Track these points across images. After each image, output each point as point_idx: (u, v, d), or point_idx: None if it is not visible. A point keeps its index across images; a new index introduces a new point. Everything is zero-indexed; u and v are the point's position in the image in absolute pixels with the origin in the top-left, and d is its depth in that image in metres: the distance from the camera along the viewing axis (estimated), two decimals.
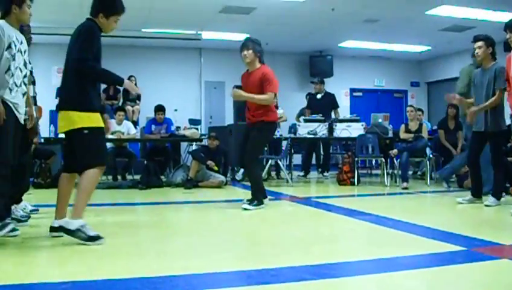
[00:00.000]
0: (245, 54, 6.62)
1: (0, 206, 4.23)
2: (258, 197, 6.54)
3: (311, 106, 11.68)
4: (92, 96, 4.31)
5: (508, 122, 6.90)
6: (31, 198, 6.50)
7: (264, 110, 6.57)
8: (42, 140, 9.92)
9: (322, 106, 11.34)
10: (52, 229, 4.37)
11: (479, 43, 6.68)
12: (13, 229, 4.39)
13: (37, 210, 5.84)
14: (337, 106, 11.78)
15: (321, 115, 10.78)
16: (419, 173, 11.65)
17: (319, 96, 11.70)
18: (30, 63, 5.28)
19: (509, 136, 7.97)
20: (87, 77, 4.26)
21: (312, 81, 11.98)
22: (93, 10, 4.51)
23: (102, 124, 4.36)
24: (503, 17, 11.05)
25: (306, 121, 10.84)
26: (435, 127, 11.42)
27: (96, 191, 8.57)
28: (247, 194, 6.75)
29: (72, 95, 4.28)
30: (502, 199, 6.77)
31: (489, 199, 6.61)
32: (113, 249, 4.11)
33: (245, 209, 6.34)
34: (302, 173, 11.66)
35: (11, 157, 4.31)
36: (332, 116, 11.45)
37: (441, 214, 6.41)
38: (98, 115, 4.31)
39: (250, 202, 6.48)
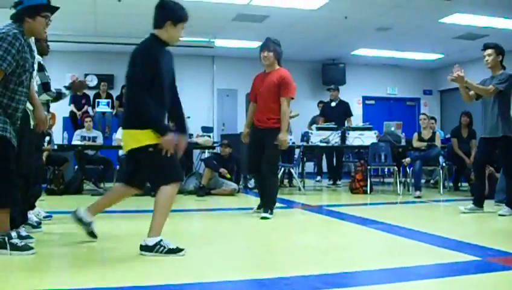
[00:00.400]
0: (265, 56, 6.58)
1: (14, 213, 4.24)
2: (272, 207, 6.46)
3: (325, 113, 11.67)
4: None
5: None
6: (44, 204, 6.55)
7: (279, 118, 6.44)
8: (56, 147, 10.00)
9: (336, 114, 11.32)
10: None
11: (489, 51, 6.67)
12: (27, 237, 4.41)
13: (51, 217, 5.88)
14: (351, 114, 11.76)
15: (334, 123, 10.78)
16: (432, 181, 11.61)
17: (333, 104, 11.69)
18: (47, 71, 5.37)
19: None
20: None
21: (328, 88, 11.96)
22: (158, 20, 4.37)
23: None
24: None
25: (318, 129, 10.84)
26: (448, 136, 11.39)
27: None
28: (259, 202, 6.74)
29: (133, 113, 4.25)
30: None
31: (503, 209, 6.58)
32: (128, 256, 4.12)
33: (264, 218, 6.26)
34: (331, 181, 11.68)
35: (25, 165, 4.33)
36: (346, 124, 11.42)
37: (454, 223, 6.38)
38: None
39: (265, 210, 6.39)
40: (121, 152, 10.50)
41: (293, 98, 6.55)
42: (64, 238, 4.90)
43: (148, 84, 4.17)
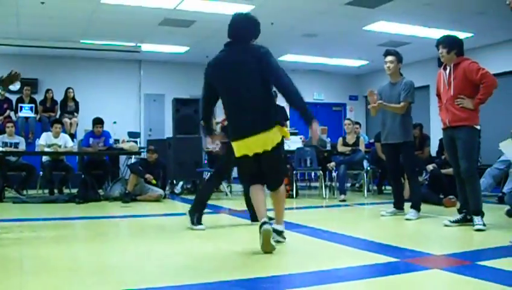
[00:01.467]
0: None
1: None
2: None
3: None
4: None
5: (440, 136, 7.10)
6: None
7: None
8: None
9: None
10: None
11: (390, 58, 6.86)
12: None
13: None
14: (288, 118, 11.83)
15: None
16: (357, 185, 11.85)
17: None
18: None
19: (441, 149, 8.21)
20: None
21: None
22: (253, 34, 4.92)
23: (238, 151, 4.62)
24: (438, 33, 11.40)
25: None
26: (372, 140, 11.64)
27: (31, 205, 8.47)
28: (186, 208, 6.67)
29: None
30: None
31: (410, 212, 6.73)
32: (47, 265, 4.04)
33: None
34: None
35: None
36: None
37: (376, 226, 6.52)
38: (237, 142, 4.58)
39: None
40: (44, 158, 10.29)
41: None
42: None
43: None
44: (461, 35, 8.13)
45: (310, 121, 4.54)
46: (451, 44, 5.91)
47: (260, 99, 4.53)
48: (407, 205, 6.97)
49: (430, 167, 8.97)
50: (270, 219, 4.72)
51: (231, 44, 4.75)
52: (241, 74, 4.54)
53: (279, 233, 4.86)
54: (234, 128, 4.63)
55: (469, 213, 5.90)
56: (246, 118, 4.51)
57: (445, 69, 6.01)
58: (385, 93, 6.92)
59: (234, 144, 4.62)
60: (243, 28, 4.74)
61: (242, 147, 4.56)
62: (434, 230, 6.07)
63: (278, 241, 4.73)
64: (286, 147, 10.27)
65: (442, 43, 5.95)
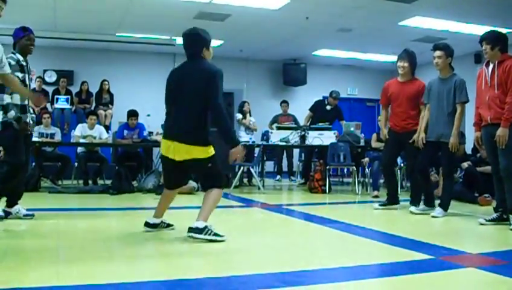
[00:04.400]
0: (401, 65, 7.30)
1: None
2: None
3: (318, 112, 11.63)
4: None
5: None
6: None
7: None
8: None
9: (330, 117, 11.44)
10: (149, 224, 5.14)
11: (439, 53, 6.67)
12: None
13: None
14: (343, 118, 11.78)
15: (328, 123, 10.97)
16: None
17: (328, 107, 11.62)
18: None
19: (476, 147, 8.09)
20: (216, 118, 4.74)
21: (333, 95, 11.81)
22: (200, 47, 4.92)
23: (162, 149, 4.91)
24: (474, 29, 11.27)
25: (279, 128, 10.89)
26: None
27: (66, 195, 8.59)
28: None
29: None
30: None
31: (436, 210, 6.67)
32: (83, 253, 4.09)
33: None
34: (303, 181, 11.77)
35: None
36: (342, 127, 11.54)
37: (410, 223, 6.45)
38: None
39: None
40: (79, 149, 10.41)
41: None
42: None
43: None
44: (500, 31, 7.98)
45: (233, 144, 4.85)
46: (495, 40, 5.80)
47: (196, 116, 4.73)
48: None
49: (465, 164, 8.87)
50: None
51: (188, 59, 4.98)
52: (186, 89, 4.77)
53: (198, 231, 4.60)
54: (168, 127, 4.94)
55: (505, 212, 5.82)
56: (179, 125, 4.76)
57: (487, 65, 5.91)
58: (434, 89, 6.77)
59: (162, 141, 4.93)
60: (190, 46, 4.95)
61: (164, 148, 4.85)
62: (469, 228, 6.01)
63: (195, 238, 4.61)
64: (319, 142, 10.30)
65: (485, 39, 5.85)
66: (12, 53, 5.61)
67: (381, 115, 7.70)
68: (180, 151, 4.71)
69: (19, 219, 5.67)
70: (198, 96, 4.69)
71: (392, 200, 7.44)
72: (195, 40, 4.91)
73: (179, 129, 4.72)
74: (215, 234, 4.62)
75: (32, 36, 5.74)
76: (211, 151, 4.78)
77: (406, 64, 7.23)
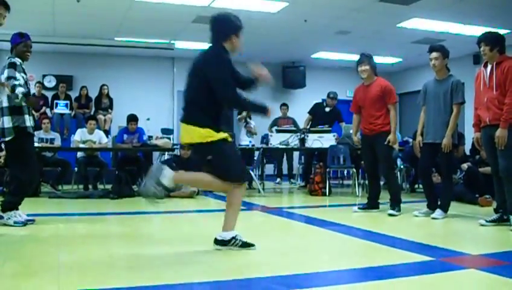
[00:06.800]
0: (362, 70, 7.22)
1: None
2: (399, 203, 7.09)
3: (317, 115, 11.60)
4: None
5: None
6: None
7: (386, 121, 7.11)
8: None
9: (329, 119, 11.40)
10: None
11: (435, 54, 6.64)
12: None
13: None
14: (343, 120, 11.77)
15: (328, 126, 10.95)
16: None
17: (327, 109, 11.62)
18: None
19: (475, 147, 8.10)
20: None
21: (330, 95, 11.79)
22: (221, 35, 4.63)
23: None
24: (473, 30, 11.27)
25: (278, 131, 10.90)
26: (405, 138, 11.53)
27: (67, 200, 8.58)
28: (219, 204, 6.74)
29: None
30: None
31: (436, 212, 6.64)
32: (84, 259, 4.09)
33: (391, 215, 6.87)
34: (303, 183, 11.76)
35: None
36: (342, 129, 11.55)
37: (410, 225, 6.45)
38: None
39: (393, 207, 6.99)
40: (79, 154, 10.42)
41: (396, 102, 7.28)
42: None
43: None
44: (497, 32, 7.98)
45: (257, 108, 4.81)
46: (494, 41, 5.81)
47: (197, 98, 4.49)
48: None
49: (464, 165, 8.87)
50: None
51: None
52: (192, 73, 4.57)
53: (223, 243, 4.43)
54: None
55: (506, 213, 5.82)
56: (185, 107, 4.56)
57: (485, 66, 5.92)
58: (430, 90, 6.76)
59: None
60: (211, 30, 4.68)
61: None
62: (470, 229, 6.01)
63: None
64: (319, 145, 10.30)
65: (484, 41, 5.86)
66: (10, 58, 5.63)
67: (353, 121, 7.63)
68: (183, 132, 4.55)
69: (10, 226, 5.55)
70: (196, 74, 4.51)
71: (373, 204, 7.41)
72: (211, 27, 4.71)
73: (183, 109, 4.58)
74: (244, 244, 4.44)
75: (29, 43, 5.75)
76: (210, 136, 4.34)
77: (367, 68, 7.20)
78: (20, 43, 5.68)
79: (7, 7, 5.17)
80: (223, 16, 4.72)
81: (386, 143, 6.98)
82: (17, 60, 5.58)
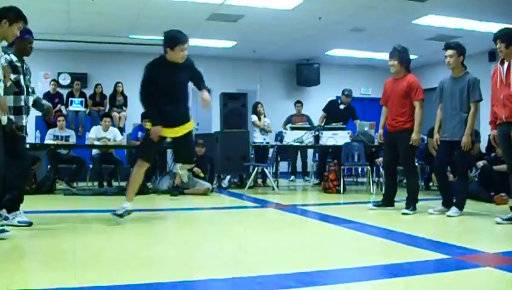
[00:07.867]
0: (390, 64, 7.20)
1: None
2: (415, 203, 6.97)
3: (331, 112, 11.55)
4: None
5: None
6: None
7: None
8: (28, 146, 9.88)
9: (344, 116, 11.35)
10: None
11: (450, 52, 6.60)
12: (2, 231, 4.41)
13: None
14: (357, 117, 11.72)
15: (342, 123, 10.92)
16: (404, 181, 11.68)
17: (342, 106, 11.58)
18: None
19: (490, 145, 8.04)
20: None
21: (345, 93, 11.74)
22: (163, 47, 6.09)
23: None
24: (489, 27, 11.19)
25: (293, 129, 10.88)
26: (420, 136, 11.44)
27: (82, 197, 8.62)
28: (233, 202, 6.76)
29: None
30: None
31: (451, 209, 6.59)
32: (99, 255, 4.11)
33: (405, 214, 6.78)
34: (317, 181, 11.73)
35: None
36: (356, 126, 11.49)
37: (425, 223, 6.42)
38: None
39: (408, 207, 6.89)
40: (94, 151, 10.48)
41: (423, 100, 6.99)
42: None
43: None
44: None
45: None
46: (510, 38, 5.75)
47: (186, 99, 6.25)
48: None
49: (480, 163, 8.82)
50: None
51: None
52: (178, 76, 6.13)
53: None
54: (167, 118, 6.03)
55: None
56: (178, 110, 6.17)
57: (502, 63, 5.87)
58: (446, 88, 6.73)
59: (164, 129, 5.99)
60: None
61: (168, 132, 6.03)
62: (485, 227, 5.98)
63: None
64: (333, 142, 10.28)
65: (500, 38, 5.80)
66: (7, 53, 5.34)
67: (382, 114, 7.48)
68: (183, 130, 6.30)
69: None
70: None
71: (388, 202, 7.35)
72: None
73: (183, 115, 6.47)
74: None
75: (30, 39, 5.63)
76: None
77: (395, 62, 7.12)
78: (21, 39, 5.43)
79: (26, 22, 5.12)
80: (165, 32, 6.15)
81: (410, 143, 6.90)
82: (5, 60, 5.20)
